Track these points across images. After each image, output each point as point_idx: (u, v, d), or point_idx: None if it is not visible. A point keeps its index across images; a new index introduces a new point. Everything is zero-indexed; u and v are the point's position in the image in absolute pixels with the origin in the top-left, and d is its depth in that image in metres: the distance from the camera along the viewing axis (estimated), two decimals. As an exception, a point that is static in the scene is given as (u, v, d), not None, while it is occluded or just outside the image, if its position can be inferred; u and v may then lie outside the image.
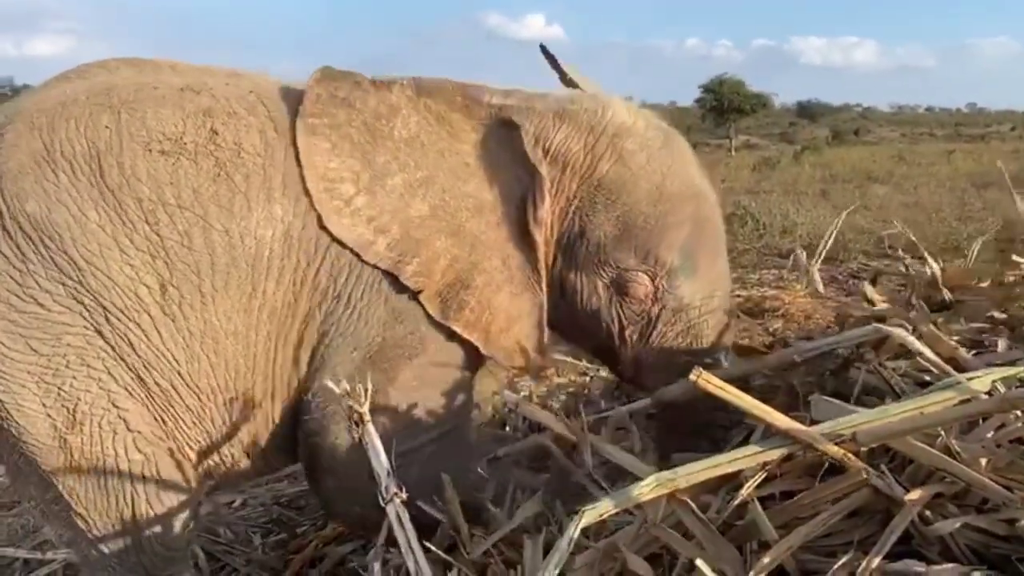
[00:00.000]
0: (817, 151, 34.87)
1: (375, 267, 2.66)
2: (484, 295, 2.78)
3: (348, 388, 2.51)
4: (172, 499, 2.72)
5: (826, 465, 2.15)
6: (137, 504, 2.67)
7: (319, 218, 2.63)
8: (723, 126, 49.58)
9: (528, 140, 2.79)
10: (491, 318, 2.79)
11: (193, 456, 2.77)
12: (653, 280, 2.84)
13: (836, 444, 2.03)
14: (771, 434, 2.14)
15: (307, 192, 2.62)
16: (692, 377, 2.09)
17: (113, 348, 2.57)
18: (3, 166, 2.55)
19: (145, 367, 2.60)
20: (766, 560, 1.89)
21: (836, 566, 1.84)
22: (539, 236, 2.83)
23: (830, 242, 3.18)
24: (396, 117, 2.73)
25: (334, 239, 2.64)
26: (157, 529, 2.71)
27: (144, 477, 2.66)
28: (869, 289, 2.93)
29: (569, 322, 2.97)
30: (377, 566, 2.50)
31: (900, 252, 3.63)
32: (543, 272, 2.88)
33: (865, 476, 1.99)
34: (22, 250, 2.52)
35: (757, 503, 2.01)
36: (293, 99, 2.76)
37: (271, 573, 3.64)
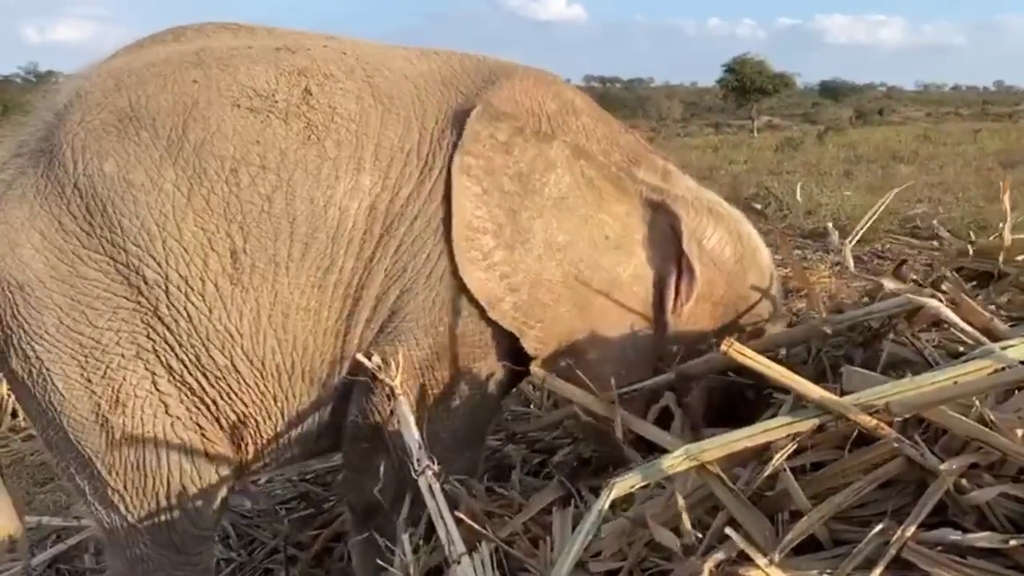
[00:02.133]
0: (840, 131, 34.48)
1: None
2: (594, 370, 2.72)
3: (380, 361, 2.55)
4: (207, 482, 2.68)
5: (854, 435, 2.13)
6: (173, 486, 2.64)
7: (412, 191, 2.56)
8: (745, 107, 49.07)
9: (686, 232, 2.76)
10: (600, 390, 2.72)
11: (240, 438, 2.69)
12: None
13: (869, 415, 2.00)
14: (800, 405, 2.13)
15: (402, 164, 2.56)
16: (723, 348, 2.08)
17: (167, 327, 2.49)
18: (88, 124, 2.49)
19: (204, 343, 2.51)
20: (799, 527, 1.88)
21: (871, 534, 1.83)
22: (673, 324, 2.80)
23: (870, 221, 3.13)
24: (550, 174, 2.68)
25: (415, 219, 2.57)
26: (190, 510, 2.68)
27: (181, 461, 2.62)
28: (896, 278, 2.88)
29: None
30: (406, 538, 2.52)
31: (936, 223, 3.58)
32: (654, 358, 2.83)
33: (898, 446, 1.97)
34: (90, 212, 2.45)
35: (789, 472, 1.99)
36: (394, 65, 2.69)
37: (298, 548, 3.67)
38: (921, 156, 21.70)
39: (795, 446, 2.05)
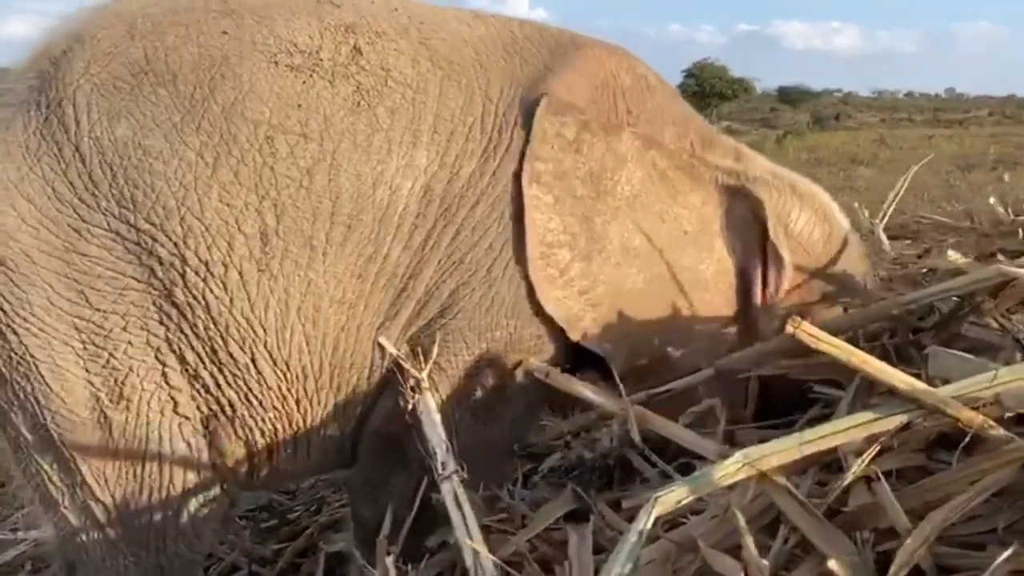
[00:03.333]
0: (799, 136, 34.69)
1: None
2: (674, 372, 2.48)
3: (407, 349, 2.27)
4: (210, 496, 2.32)
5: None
6: (171, 499, 2.28)
7: (475, 171, 2.29)
8: (705, 111, 49.21)
9: (771, 216, 2.55)
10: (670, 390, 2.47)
11: (255, 447, 2.36)
12: None
13: (973, 409, 1.64)
14: (866, 402, 1.78)
15: (464, 139, 2.30)
16: (789, 328, 1.73)
17: (182, 313, 2.17)
18: (95, 76, 2.13)
19: (223, 336, 2.19)
20: (904, 553, 1.50)
21: (998, 561, 1.44)
22: (764, 323, 2.56)
23: (896, 201, 2.85)
24: (622, 171, 2.44)
25: (476, 204, 2.30)
26: (187, 529, 2.32)
27: (185, 469, 2.26)
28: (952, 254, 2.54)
29: None
30: (390, 560, 2.14)
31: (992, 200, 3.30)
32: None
33: (1015, 448, 1.60)
34: (95, 180, 2.10)
35: (884, 483, 1.63)
36: (449, 27, 2.41)
37: (260, 563, 3.32)
38: (880, 160, 21.90)
39: (877, 448, 1.69)
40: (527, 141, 2.31)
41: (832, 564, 1.51)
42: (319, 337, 2.24)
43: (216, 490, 2.35)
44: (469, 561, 1.86)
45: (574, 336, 2.35)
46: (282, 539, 3.44)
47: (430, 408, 2.14)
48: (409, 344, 2.32)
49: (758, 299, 2.56)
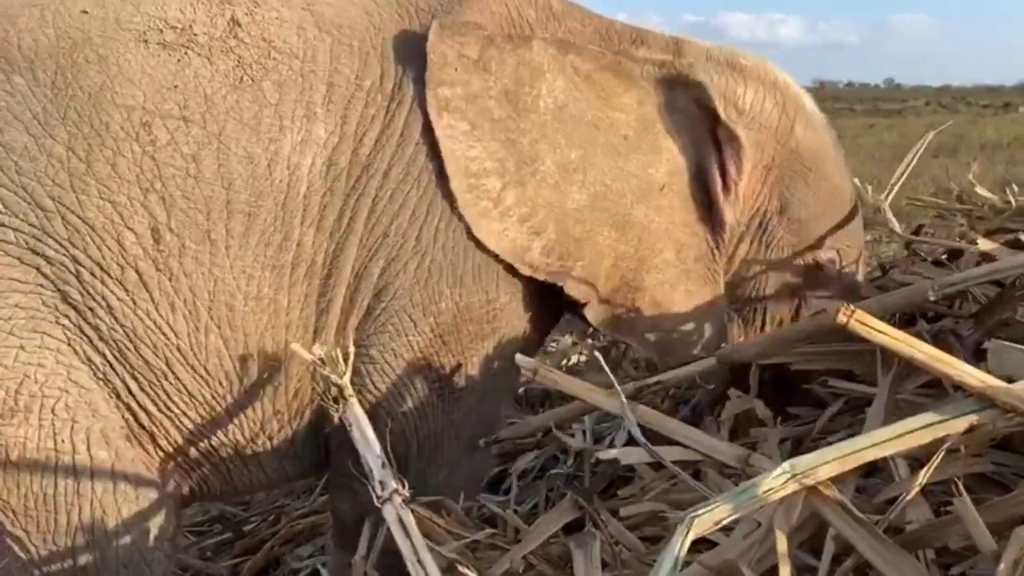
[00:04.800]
0: (744, 124, 35.04)
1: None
2: (657, 296, 2.34)
3: (322, 354, 2.01)
4: (149, 512, 2.05)
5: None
6: (100, 520, 1.99)
7: (379, 136, 2.13)
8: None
9: (717, 99, 2.36)
10: (667, 324, 2.36)
11: (186, 460, 2.16)
12: (841, 260, 2.51)
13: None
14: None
15: (362, 105, 2.13)
16: (841, 317, 1.50)
17: (81, 314, 1.98)
18: None
19: (130, 339, 2.00)
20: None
21: None
22: (730, 215, 2.40)
23: (902, 178, 2.68)
24: (540, 82, 2.23)
25: (388, 170, 2.13)
26: (127, 554, 2.03)
27: (112, 482, 1.99)
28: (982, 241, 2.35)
29: (738, 313, 2.55)
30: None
31: (971, 179, 3.16)
32: (722, 261, 2.44)
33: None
34: None
35: (966, 496, 1.40)
36: None
37: (217, 582, 3.06)
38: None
39: (942, 454, 1.47)
40: (427, 74, 2.15)
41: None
42: (239, 339, 2.07)
43: (156, 507, 2.08)
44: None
45: (525, 269, 2.19)
46: (237, 554, 3.18)
47: (359, 419, 1.93)
48: (356, 336, 2.15)
49: (719, 191, 2.38)
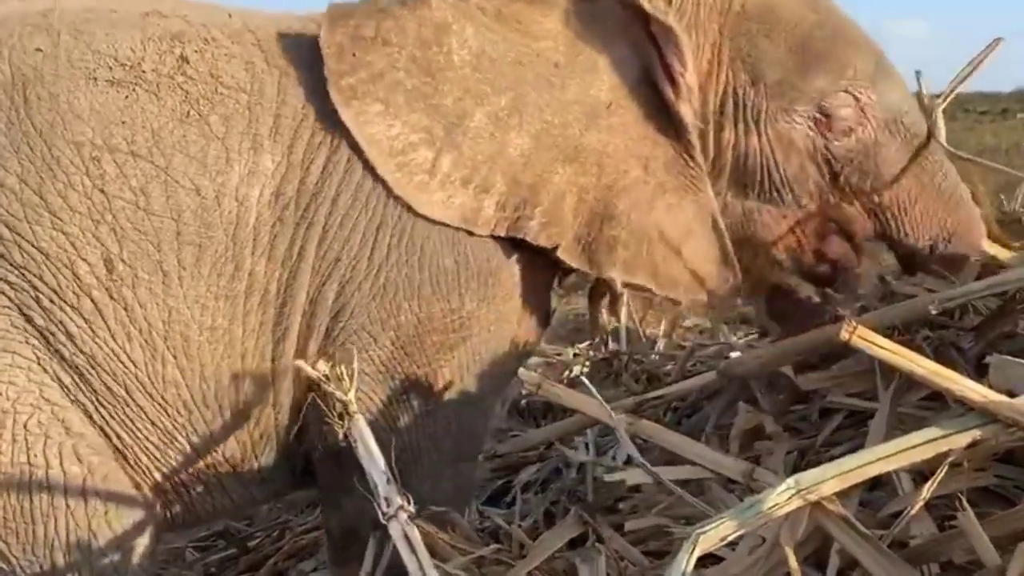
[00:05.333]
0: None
1: (445, 226, 2.11)
2: (634, 220, 2.20)
3: (327, 371, 1.99)
4: (124, 526, 2.06)
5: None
6: (76, 533, 2.01)
7: (326, 164, 2.10)
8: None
9: None
10: (652, 247, 2.21)
11: (156, 484, 2.15)
12: (857, 95, 2.26)
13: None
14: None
15: (308, 135, 2.11)
16: (844, 334, 1.51)
17: (45, 338, 2.00)
18: None
19: (91, 365, 2.02)
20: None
21: None
22: (688, 112, 2.21)
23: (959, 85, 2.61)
24: (448, 36, 2.14)
25: (337, 197, 2.10)
26: (103, 568, 2.04)
27: (85, 497, 2.00)
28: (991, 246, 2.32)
29: (743, 219, 2.33)
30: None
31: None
32: (702, 161, 2.25)
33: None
34: None
35: (970, 511, 1.41)
36: (291, 27, 2.21)
37: (220, 599, 3.05)
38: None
39: (945, 469, 1.48)
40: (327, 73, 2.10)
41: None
42: (195, 368, 2.08)
43: (132, 521, 2.10)
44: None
45: (483, 230, 2.12)
46: (241, 570, 3.17)
47: (364, 435, 1.92)
48: (319, 360, 2.10)
49: (669, 92, 2.22)
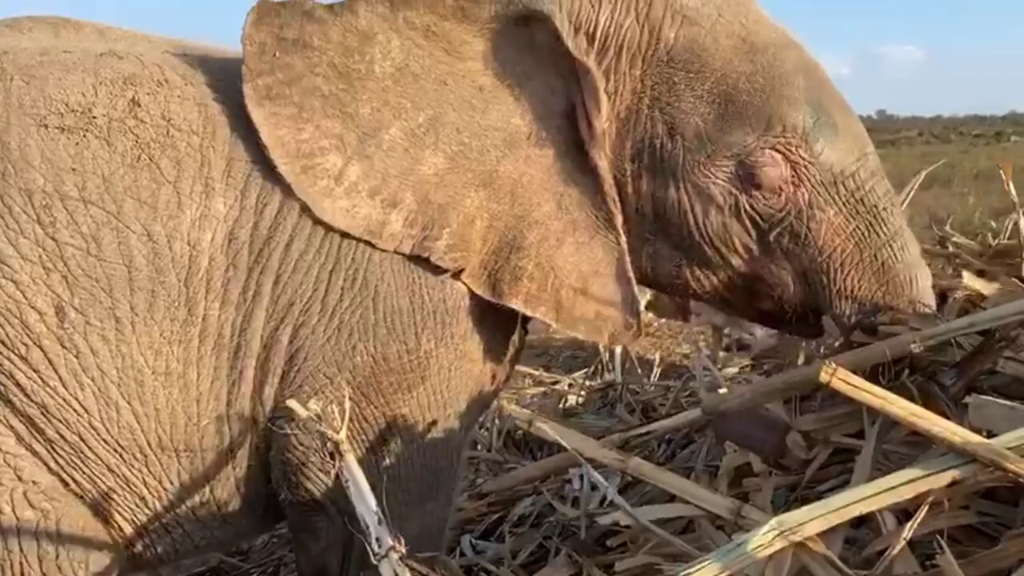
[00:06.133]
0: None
1: (384, 252, 2.07)
2: (542, 253, 2.16)
3: (318, 410, 1.98)
4: (81, 569, 2.05)
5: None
6: None
7: (280, 209, 2.06)
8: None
9: (565, 30, 2.13)
10: (558, 282, 2.17)
11: (116, 528, 2.13)
12: (788, 153, 2.13)
13: (1034, 464, 1.46)
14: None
15: (262, 179, 2.06)
16: (823, 376, 1.53)
17: None
18: None
19: (43, 414, 2.00)
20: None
21: None
22: (601, 156, 2.16)
23: (906, 201, 2.65)
24: (372, 46, 2.09)
25: (290, 243, 2.06)
26: None
27: (39, 541, 1.99)
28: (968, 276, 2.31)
29: (671, 265, 2.26)
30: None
31: (947, 228, 3.15)
32: (615, 204, 2.20)
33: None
34: None
35: (948, 552, 1.43)
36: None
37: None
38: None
39: (926, 508, 1.50)
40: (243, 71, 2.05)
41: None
42: (150, 414, 2.06)
43: (87, 565, 2.08)
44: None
45: (386, 245, 2.07)
46: (236, 609, 3.15)
47: (355, 474, 1.89)
48: (273, 404, 2.12)
49: (585, 130, 2.16)
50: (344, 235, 2.06)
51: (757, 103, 2.13)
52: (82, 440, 2.02)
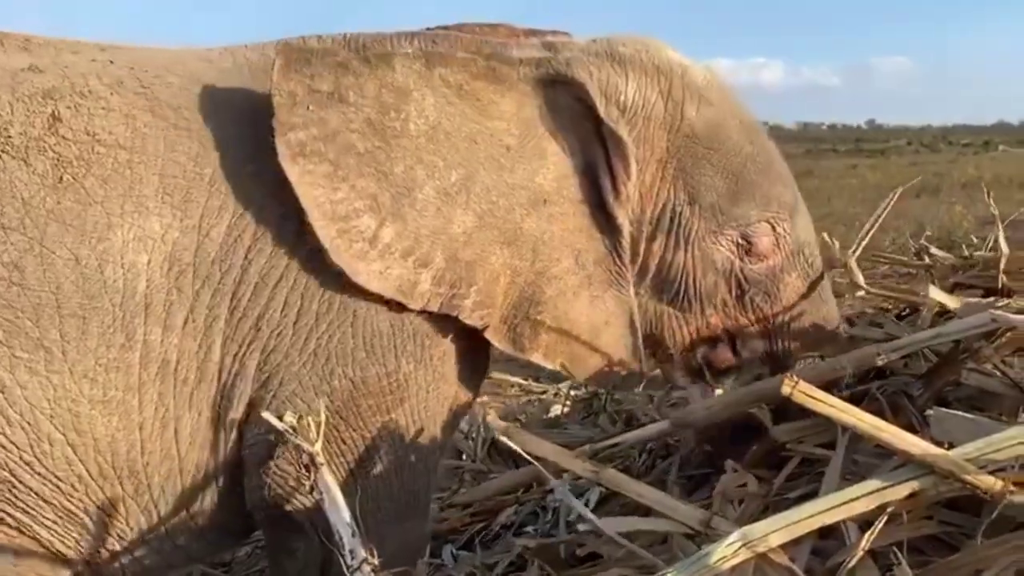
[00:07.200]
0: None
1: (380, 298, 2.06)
2: (559, 307, 2.22)
3: (293, 422, 1.97)
4: None
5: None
6: None
7: (230, 230, 2.00)
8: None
9: (597, 97, 2.21)
10: (572, 334, 2.24)
11: (59, 548, 2.06)
12: (775, 225, 2.35)
13: (991, 475, 1.49)
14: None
15: (205, 197, 1.99)
16: (785, 389, 1.56)
17: None
18: None
19: None
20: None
21: None
22: (624, 217, 2.26)
23: (873, 230, 2.71)
24: (407, 104, 2.08)
25: (248, 265, 2.01)
26: None
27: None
28: (934, 291, 2.35)
29: (652, 318, 2.38)
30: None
31: (923, 242, 3.21)
32: (628, 262, 2.30)
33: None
34: None
35: (905, 564, 1.45)
36: (184, 68, 2.09)
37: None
38: (807, 189, 22.17)
39: (885, 519, 1.52)
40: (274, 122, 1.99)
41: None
42: (88, 443, 1.97)
43: None
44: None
45: (416, 304, 2.07)
46: (218, 625, 3.11)
47: (330, 486, 1.90)
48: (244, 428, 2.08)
49: (609, 194, 2.25)
50: (311, 260, 2.03)
51: (761, 181, 2.34)
52: (14, 476, 1.95)
